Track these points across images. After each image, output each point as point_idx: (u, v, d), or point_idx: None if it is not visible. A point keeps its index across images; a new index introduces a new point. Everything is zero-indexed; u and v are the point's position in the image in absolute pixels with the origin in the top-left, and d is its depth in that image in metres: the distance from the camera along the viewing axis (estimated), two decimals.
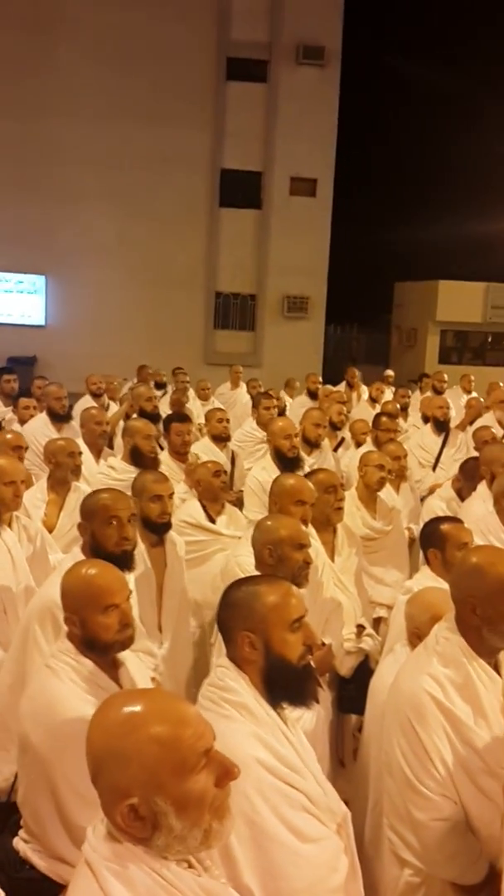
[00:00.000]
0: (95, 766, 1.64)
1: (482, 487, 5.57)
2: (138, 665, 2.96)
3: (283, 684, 2.32)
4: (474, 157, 32.66)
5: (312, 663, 3.30)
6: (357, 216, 28.98)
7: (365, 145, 31.20)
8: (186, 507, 4.98)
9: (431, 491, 7.18)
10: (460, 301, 24.38)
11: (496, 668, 2.75)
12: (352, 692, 4.46)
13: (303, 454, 6.63)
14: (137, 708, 1.66)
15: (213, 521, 5.30)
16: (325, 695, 4.38)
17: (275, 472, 5.75)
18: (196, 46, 22.79)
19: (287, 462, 6.18)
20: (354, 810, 3.76)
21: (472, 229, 29.12)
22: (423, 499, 7.33)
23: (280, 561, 3.53)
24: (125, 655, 2.85)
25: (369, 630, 4.72)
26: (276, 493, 4.46)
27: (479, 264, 26.41)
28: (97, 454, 6.83)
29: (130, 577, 3.64)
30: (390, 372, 15.43)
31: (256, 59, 23.53)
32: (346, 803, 3.64)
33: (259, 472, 6.19)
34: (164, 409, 10.16)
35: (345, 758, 4.63)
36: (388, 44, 32.08)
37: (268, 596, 2.35)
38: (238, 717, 2.23)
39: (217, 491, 5.35)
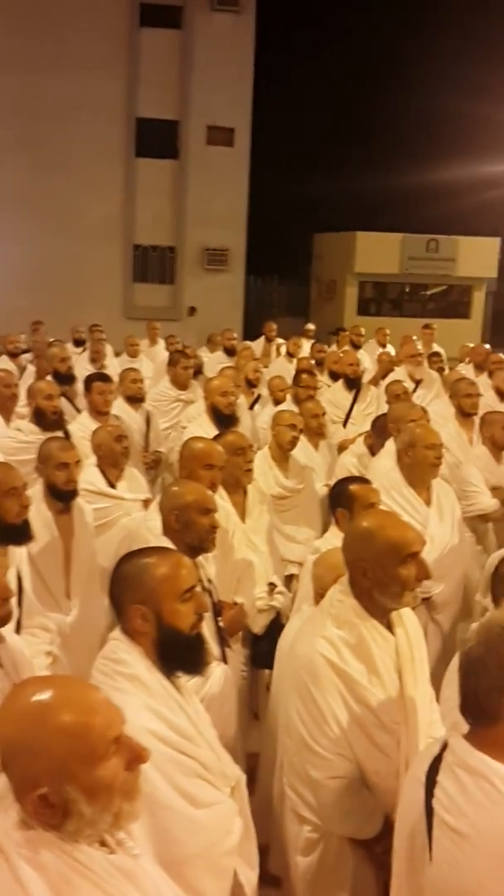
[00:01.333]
0: (5, 756, 1.65)
1: (390, 443, 5.66)
2: (21, 642, 2.95)
3: (176, 654, 2.35)
4: (393, 108, 32.58)
5: (206, 630, 3.36)
6: (276, 167, 28.74)
7: (283, 94, 30.85)
8: (85, 475, 4.94)
9: (342, 447, 7.27)
10: (378, 252, 24.52)
11: (389, 628, 2.84)
12: (264, 648, 4.54)
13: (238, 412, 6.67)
14: (45, 697, 1.67)
15: (113, 486, 5.28)
16: (240, 652, 4.47)
17: (212, 430, 5.75)
18: None
19: (224, 419, 6.20)
20: (265, 763, 3.89)
21: (390, 181, 29.19)
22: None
23: (186, 526, 3.54)
24: (5, 632, 2.83)
25: (280, 588, 4.80)
26: (184, 458, 4.46)
27: (395, 215, 26.56)
28: (7, 417, 6.71)
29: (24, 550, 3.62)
30: (311, 326, 15.44)
31: (170, 5, 22.97)
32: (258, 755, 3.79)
33: (197, 431, 6.16)
34: (85, 367, 10.01)
35: (259, 711, 4.74)
36: None
37: (158, 568, 2.36)
38: (131, 690, 2.26)
39: (118, 456, 5.31)
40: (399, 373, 9.90)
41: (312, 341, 13.06)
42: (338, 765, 2.69)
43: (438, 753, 2.08)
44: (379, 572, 2.76)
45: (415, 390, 8.85)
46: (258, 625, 4.54)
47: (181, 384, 8.21)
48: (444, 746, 2.08)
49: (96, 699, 1.72)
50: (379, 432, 6.13)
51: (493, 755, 1.98)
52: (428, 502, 4.94)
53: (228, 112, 23.42)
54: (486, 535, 6.13)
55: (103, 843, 1.73)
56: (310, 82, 32.27)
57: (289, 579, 5.42)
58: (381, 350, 12.30)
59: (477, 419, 6.89)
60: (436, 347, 12.23)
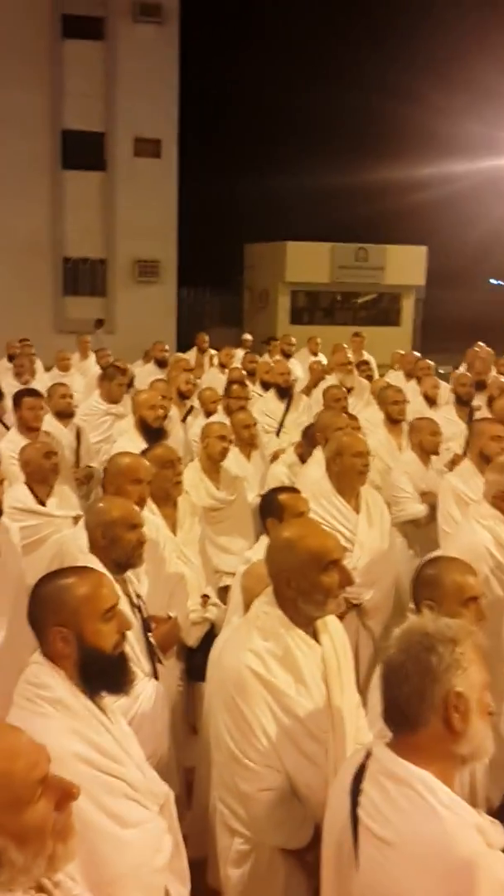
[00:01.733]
0: None
1: (318, 452, 5.72)
2: None
3: (100, 675, 2.32)
4: (321, 116, 32.97)
5: (136, 646, 3.34)
6: (205, 177, 28.86)
7: (210, 105, 30.98)
8: (12, 492, 4.87)
9: (275, 457, 7.31)
10: (308, 262, 24.74)
11: (314, 637, 2.86)
12: (200, 661, 4.53)
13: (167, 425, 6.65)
14: None
15: (42, 503, 5.22)
16: (175, 666, 4.46)
17: (141, 444, 5.73)
18: (29, 3, 21.91)
19: (152, 433, 6.18)
20: (201, 777, 3.87)
21: (319, 190, 29.54)
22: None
23: (113, 542, 3.52)
24: None
25: (214, 599, 4.80)
26: (111, 473, 4.44)
27: (325, 225, 26.85)
28: None
29: None
30: (248, 336, 15.53)
31: (93, 17, 22.89)
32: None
33: (126, 445, 6.12)
34: (11, 382, 9.87)
35: (197, 725, 4.73)
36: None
37: (78, 588, 2.34)
38: (54, 714, 2.23)
39: (47, 473, 5.26)
40: (330, 381, 9.99)
41: (247, 351, 13.12)
42: (267, 777, 2.69)
43: (363, 762, 2.09)
44: (302, 581, 2.77)
45: (345, 398, 8.92)
46: (192, 637, 4.54)
47: (112, 398, 8.16)
48: (369, 755, 2.10)
49: (17, 742, 1.66)
50: (309, 441, 6.19)
51: (416, 762, 2.00)
52: (357, 509, 4.99)
53: (155, 123, 23.42)
54: (415, 540, 6.22)
55: (41, 889, 1.69)
56: (237, 92, 32.51)
57: (223, 590, 5.41)
58: (312, 359, 12.40)
59: (406, 425, 7.01)
60: (365, 355, 12.39)
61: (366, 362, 11.72)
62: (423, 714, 2.01)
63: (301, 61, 32.47)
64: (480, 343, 12.14)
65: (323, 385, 9.82)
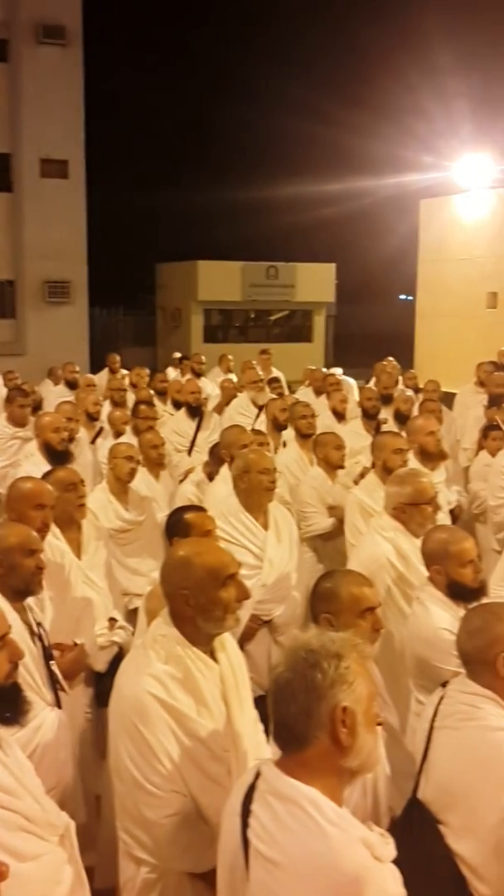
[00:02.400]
0: None
1: (225, 470, 5.73)
2: None
3: None
4: (227, 136, 33.27)
5: (35, 675, 3.28)
6: (115, 198, 28.78)
7: (118, 125, 30.93)
8: None
9: (185, 476, 7.30)
10: (220, 281, 24.85)
11: (212, 656, 2.85)
12: (108, 686, 4.46)
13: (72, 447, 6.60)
14: None
15: None
16: (83, 692, 4.38)
17: (46, 467, 5.64)
18: None
19: (57, 455, 6.09)
20: (107, 803, 3.81)
21: (228, 209, 29.77)
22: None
23: (11, 569, 3.46)
24: None
25: (122, 622, 4.75)
26: (12, 499, 4.36)
27: (235, 243, 27.07)
28: None
29: None
30: (178, 354, 15.53)
31: None
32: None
33: (30, 469, 6.01)
34: None
35: (106, 751, 4.66)
36: (134, 19, 31.91)
37: None
38: None
39: None
40: (242, 399, 10.04)
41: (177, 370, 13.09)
42: (173, 802, 2.66)
43: (252, 782, 2.09)
44: (201, 598, 2.77)
45: (257, 416, 9.00)
46: (101, 662, 4.48)
47: (17, 421, 8.03)
48: (258, 774, 2.09)
49: None
50: (216, 459, 6.20)
51: (304, 779, 2.00)
52: (265, 526, 5.00)
53: (61, 144, 23.23)
54: (325, 554, 6.28)
55: None
56: (145, 112, 32.56)
57: (133, 613, 5.37)
58: (224, 377, 12.44)
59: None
60: (275, 372, 12.50)
61: (276, 379, 11.82)
62: (310, 731, 2.02)
63: (209, 79, 32.81)
64: (389, 358, 12.38)
65: (235, 403, 9.89)
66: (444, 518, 6.17)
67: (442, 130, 23.57)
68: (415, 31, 34.31)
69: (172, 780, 2.68)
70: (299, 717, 2.02)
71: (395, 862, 2.60)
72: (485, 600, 3.58)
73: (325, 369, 13.17)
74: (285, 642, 4.99)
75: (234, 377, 12.40)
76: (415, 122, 26.85)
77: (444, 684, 2.92)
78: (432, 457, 6.48)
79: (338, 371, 12.78)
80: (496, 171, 18.89)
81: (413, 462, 6.38)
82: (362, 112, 30.92)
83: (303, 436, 7.36)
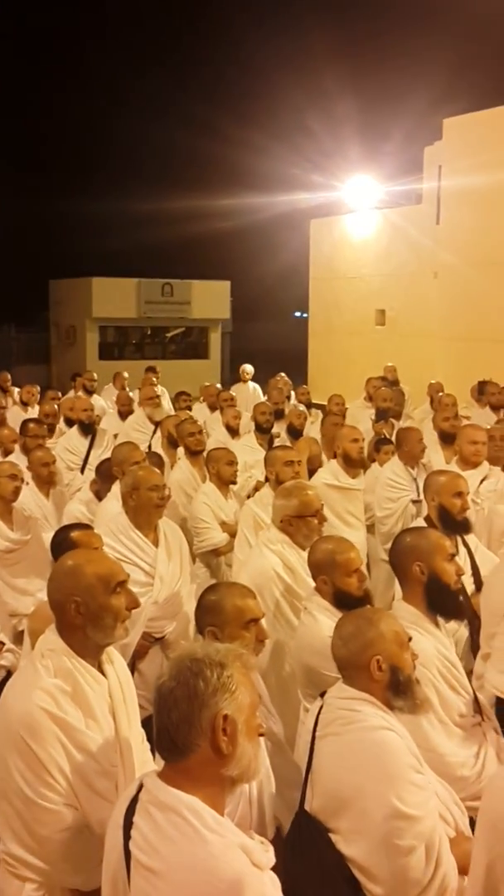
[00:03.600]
0: None
1: (115, 487, 5.69)
2: None
3: None
4: (122, 152, 33.16)
5: None
6: (6, 213, 28.28)
7: (9, 140, 30.46)
8: None
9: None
10: (114, 297, 24.66)
11: (100, 670, 2.84)
12: None
13: None
14: None
15: None
16: None
17: None
18: None
19: None
20: None
21: (123, 224, 29.63)
22: None
23: None
24: None
25: (9, 645, 4.66)
26: None
27: (130, 259, 26.95)
28: None
29: None
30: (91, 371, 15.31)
31: None
32: None
33: None
34: None
35: None
36: (29, 26, 31.52)
37: None
38: None
39: None
40: (138, 415, 10.01)
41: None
42: (67, 816, 2.64)
43: (135, 794, 2.08)
44: (92, 604, 2.78)
45: (154, 432, 9.00)
46: None
47: None
48: (141, 787, 2.09)
49: None
50: (104, 477, 6.14)
51: (186, 789, 2.02)
52: (156, 543, 4.98)
53: None
54: (218, 569, 6.30)
55: None
56: (38, 126, 32.16)
57: (22, 635, 5.27)
58: (118, 393, 12.36)
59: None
60: (159, 389, 12.48)
61: (185, 393, 11.81)
62: (191, 739, 2.04)
63: (104, 94, 32.61)
64: (281, 374, 12.55)
65: (131, 420, 9.85)
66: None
67: (330, 151, 24.11)
68: (305, 52, 35.10)
69: (65, 795, 2.66)
70: (181, 724, 2.03)
71: (291, 875, 2.64)
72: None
73: (219, 385, 13.25)
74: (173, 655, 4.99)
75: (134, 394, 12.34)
76: (305, 143, 27.40)
77: (322, 694, 2.96)
78: (355, 464, 6.64)
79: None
80: (381, 192, 19.44)
81: (334, 468, 6.54)
82: (255, 131, 31.34)
83: (192, 453, 7.38)
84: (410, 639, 2.97)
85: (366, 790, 2.65)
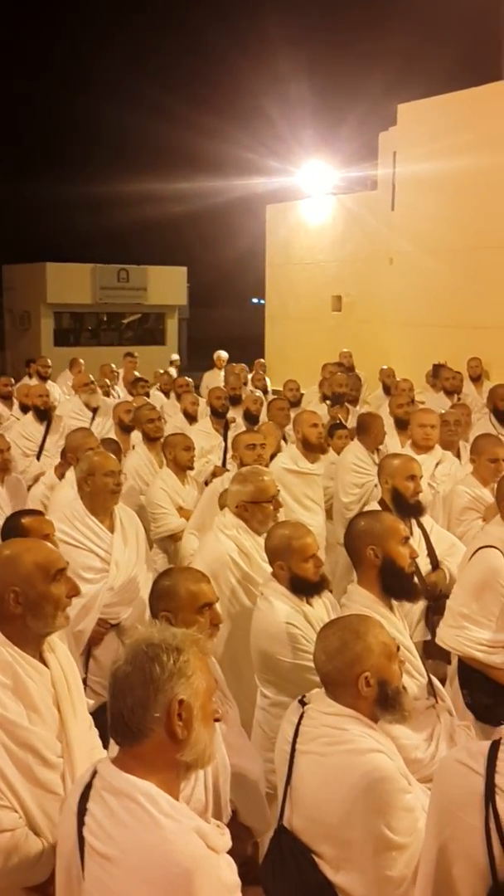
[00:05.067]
0: None
1: (70, 473, 5.65)
2: None
3: None
4: (78, 135, 32.75)
5: None
6: None
7: None
8: None
9: (36, 479, 7.16)
10: (70, 283, 24.43)
11: (42, 660, 2.80)
12: None
13: None
14: None
15: None
16: None
17: None
18: None
19: None
20: None
21: (77, 207, 29.31)
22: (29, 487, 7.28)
23: None
24: None
25: None
26: None
27: (85, 246, 26.69)
28: None
29: None
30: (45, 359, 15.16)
31: None
32: None
33: None
34: None
35: None
36: None
37: None
38: None
39: None
40: (74, 401, 9.97)
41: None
42: (3, 819, 2.56)
43: (89, 781, 2.07)
44: (31, 593, 2.73)
45: (93, 419, 8.96)
46: None
47: None
48: (94, 773, 2.08)
49: None
50: (69, 461, 6.10)
51: (140, 774, 2.00)
52: (112, 529, 4.94)
53: None
54: (176, 555, 6.29)
55: None
56: None
57: None
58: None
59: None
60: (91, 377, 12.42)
61: (142, 379, 11.77)
62: (146, 724, 2.03)
63: (56, 76, 32.16)
64: (223, 353, 12.52)
65: (69, 406, 9.78)
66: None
67: (286, 136, 24.10)
68: (260, 37, 34.94)
69: (4, 796, 2.59)
70: (136, 709, 2.02)
71: (274, 894, 2.63)
72: None
73: (173, 371, 13.23)
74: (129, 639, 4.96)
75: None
76: (261, 127, 27.35)
77: (301, 701, 2.84)
78: (314, 448, 6.66)
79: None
80: (336, 178, 19.44)
81: (293, 453, 6.56)
82: (210, 114, 31.18)
83: (150, 439, 7.35)
84: (399, 647, 2.85)
85: (354, 820, 2.54)
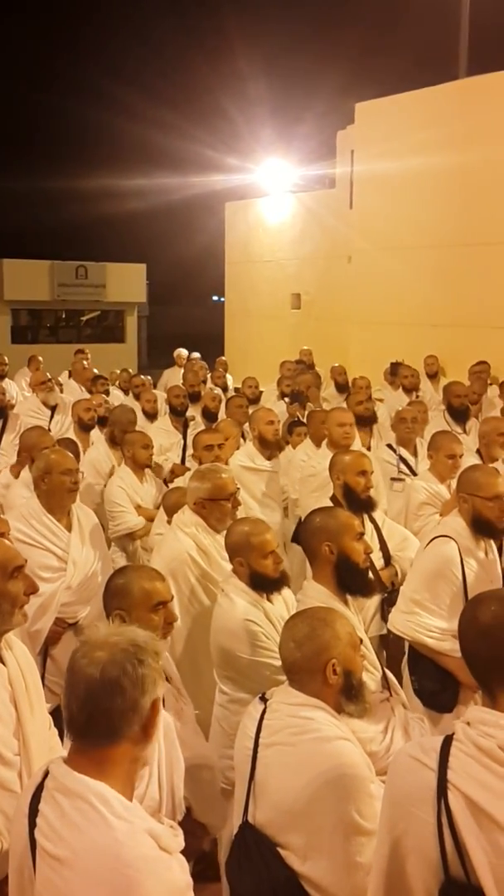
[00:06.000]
0: None
1: (25, 472, 5.60)
2: None
3: None
4: (36, 130, 32.42)
5: None
6: None
7: None
8: None
9: None
10: (27, 280, 24.21)
11: None
12: None
13: None
14: None
15: None
16: None
17: None
18: None
19: None
20: None
21: (35, 206, 29.01)
22: None
23: None
24: None
25: None
26: None
27: (43, 243, 26.44)
28: None
29: None
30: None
31: None
32: None
33: None
34: None
35: None
36: None
37: None
38: None
39: None
40: (31, 400, 9.87)
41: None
42: None
43: (41, 782, 2.06)
44: None
45: (52, 417, 8.88)
46: None
47: None
48: (46, 774, 2.06)
49: None
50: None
51: (94, 774, 1.99)
52: (69, 527, 4.90)
53: None
54: (135, 554, 6.27)
55: None
56: None
57: None
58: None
59: None
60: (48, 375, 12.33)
61: (101, 377, 11.69)
62: (132, 725, 2.02)
63: (12, 70, 31.79)
64: (196, 354, 12.50)
65: (27, 405, 9.68)
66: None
67: (244, 133, 24.11)
68: (218, 34, 34.90)
69: None
70: (126, 711, 2.00)
71: (238, 892, 2.63)
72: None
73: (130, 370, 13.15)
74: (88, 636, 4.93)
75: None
76: (219, 124, 27.31)
77: (262, 698, 2.82)
78: (270, 445, 6.67)
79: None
80: (295, 176, 19.50)
81: (250, 450, 6.57)
82: (169, 110, 31.07)
83: (141, 466, 7.20)
84: (362, 641, 2.86)
85: (323, 805, 2.54)
